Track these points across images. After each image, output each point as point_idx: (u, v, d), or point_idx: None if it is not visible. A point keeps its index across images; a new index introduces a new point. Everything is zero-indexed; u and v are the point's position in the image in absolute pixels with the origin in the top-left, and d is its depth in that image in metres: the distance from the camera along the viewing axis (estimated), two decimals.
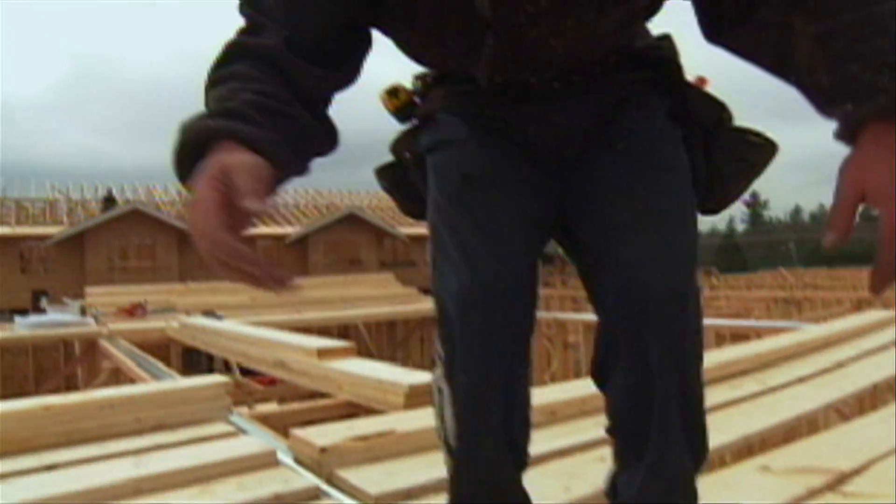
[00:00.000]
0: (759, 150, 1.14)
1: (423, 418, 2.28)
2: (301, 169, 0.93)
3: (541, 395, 2.55)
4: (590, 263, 1.10)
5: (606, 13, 0.95)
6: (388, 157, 1.29)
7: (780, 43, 0.88)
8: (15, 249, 24.28)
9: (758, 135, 1.14)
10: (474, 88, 1.05)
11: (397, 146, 1.25)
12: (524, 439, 1.12)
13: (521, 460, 1.13)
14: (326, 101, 0.98)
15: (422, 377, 3.13)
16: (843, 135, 0.79)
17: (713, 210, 1.16)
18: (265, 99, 0.85)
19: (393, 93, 1.23)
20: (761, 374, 3.19)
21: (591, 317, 7.68)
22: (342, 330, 8.71)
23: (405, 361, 9.28)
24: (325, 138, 0.97)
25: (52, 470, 2.12)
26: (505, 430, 1.06)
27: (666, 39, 1.12)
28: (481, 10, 0.92)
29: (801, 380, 3.09)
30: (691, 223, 1.07)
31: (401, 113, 1.23)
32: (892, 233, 0.73)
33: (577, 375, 7.86)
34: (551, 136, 1.06)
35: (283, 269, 0.82)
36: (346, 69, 1.00)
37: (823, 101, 0.83)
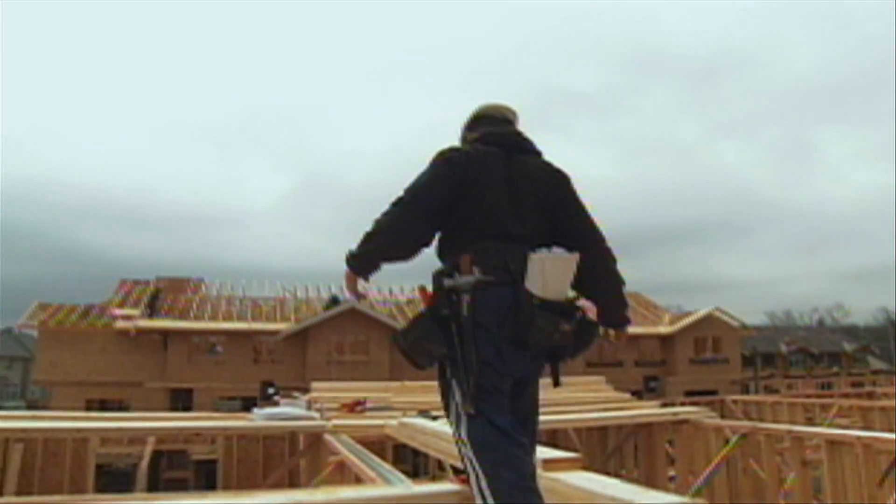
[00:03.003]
0: (596, 329, 2.71)
1: None
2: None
3: None
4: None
5: None
6: None
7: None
8: (249, 343, 26.98)
9: (595, 323, 2.70)
10: None
11: None
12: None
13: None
14: None
15: (658, 498, 2.90)
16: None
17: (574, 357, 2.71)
18: None
19: None
20: None
21: (835, 431, 6.74)
22: (550, 435, 8.46)
23: (617, 472, 8.78)
24: None
25: None
26: None
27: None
28: None
29: None
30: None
31: None
32: None
33: (818, 497, 6.94)
34: None
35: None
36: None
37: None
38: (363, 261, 2.55)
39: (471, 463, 2.36)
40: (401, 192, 2.54)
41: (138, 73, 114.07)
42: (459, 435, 2.42)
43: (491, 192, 2.54)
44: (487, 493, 2.29)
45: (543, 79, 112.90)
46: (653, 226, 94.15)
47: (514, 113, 2.89)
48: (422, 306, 2.56)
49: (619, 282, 2.76)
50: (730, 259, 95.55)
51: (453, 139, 2.83)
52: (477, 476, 2.33)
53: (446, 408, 2.52)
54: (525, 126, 2.85)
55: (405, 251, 2.58)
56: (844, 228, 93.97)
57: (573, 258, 2.48)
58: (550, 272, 2.40)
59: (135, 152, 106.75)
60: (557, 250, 2.47)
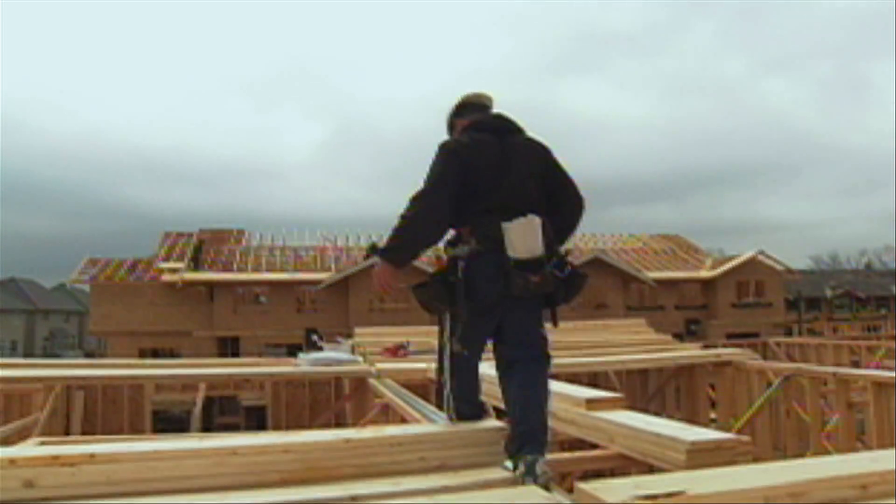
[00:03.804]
0: (585, 279, 3.22)
1: (715, 480, 2.12)
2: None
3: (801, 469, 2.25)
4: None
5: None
6: None
7: None
8: (292, 293, 27.49)
9: (584, 274, 3.25)
10: None
11: None
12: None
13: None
14: None
15: (702, 433, 2.94)
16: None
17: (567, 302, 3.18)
18: None
19: None
20: None
21: (881, 373, 6.65)
22: (591, 378, 8.52)
23: (658, 414, 8.81)
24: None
25: (356, 501, 2.29)
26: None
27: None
28: None
29: None
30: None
31: None
32: None
33: (861, 439, 6.90)
34: None
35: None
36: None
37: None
38: (402, 250, 3.09)
39: (446, 370, 3.16)
40: (421, 186, 3.00)
41: (171, 29, 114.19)
42: (443, 360, 3.19)
43: (488, 173, 3.03)
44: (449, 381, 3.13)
45: (583, 19, 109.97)
46: (696, 167, 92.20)
47: (490, 100, 3.40)
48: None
49: (568, 237, 3.33)
50: (776, 201, 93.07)
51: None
52: (448, 377, 3.14)
53: (441, 339, 3.23)
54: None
55: (438, 234, 3.08)
56: None
57: (531, 222, 2.96)
58: (515, 236, 2.92)
59: (172, 107, 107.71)
60: (532, 217, 2.95)
